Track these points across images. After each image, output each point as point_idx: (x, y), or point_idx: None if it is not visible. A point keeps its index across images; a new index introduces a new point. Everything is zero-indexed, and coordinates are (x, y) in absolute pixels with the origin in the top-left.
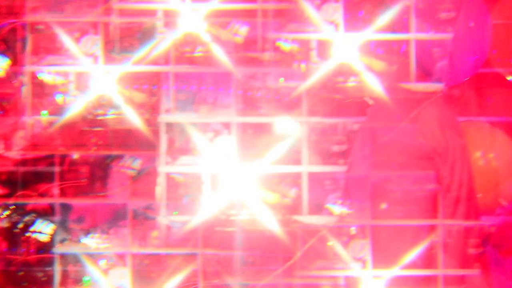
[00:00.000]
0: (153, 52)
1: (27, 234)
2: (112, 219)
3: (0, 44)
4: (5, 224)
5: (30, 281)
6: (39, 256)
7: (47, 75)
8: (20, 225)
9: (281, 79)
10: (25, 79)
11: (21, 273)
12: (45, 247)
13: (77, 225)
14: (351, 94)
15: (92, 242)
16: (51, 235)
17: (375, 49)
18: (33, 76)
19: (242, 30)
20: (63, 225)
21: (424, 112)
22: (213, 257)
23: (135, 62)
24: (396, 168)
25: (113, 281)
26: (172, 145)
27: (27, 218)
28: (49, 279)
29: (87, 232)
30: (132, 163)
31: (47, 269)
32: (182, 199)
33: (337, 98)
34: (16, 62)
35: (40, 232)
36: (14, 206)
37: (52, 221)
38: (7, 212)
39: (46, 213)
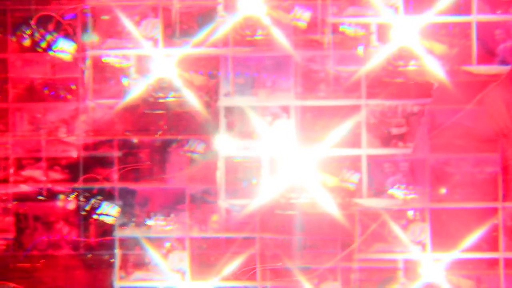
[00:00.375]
0: (212, 35)
1: (94, 217)
2: (173, 203)
3: (66, 29)
4: (71, 207)
5: (98, 263)
6: (106, 238)
7: (111, 58)
8: (87, 208)
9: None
10: (88, 63)
11: (89, 256)
12: (111, 230)
13: (141, 209)
14: (411, 77)
15: (155, 225)
16: (117, 217)
17: (436, 32)
18: (97, 60)
19: (305, 15)
20: (127, 208)
21: (490, 94)
22: (272, 241)
23: (195, 45)
24: (460, 151)
25: (172, 265)
26: (231, 129)
27: (93, 201)
28: (116, 261)
29: (149, 216)
30: (197, 147)
31: (113, 251)
32: (241, 183)
33: (397, 82)
34: (80, 46)
35: (106, 215)
36: (80, 190)
37: (117, 204)
38: (73, 196)
39: (111, 196)
